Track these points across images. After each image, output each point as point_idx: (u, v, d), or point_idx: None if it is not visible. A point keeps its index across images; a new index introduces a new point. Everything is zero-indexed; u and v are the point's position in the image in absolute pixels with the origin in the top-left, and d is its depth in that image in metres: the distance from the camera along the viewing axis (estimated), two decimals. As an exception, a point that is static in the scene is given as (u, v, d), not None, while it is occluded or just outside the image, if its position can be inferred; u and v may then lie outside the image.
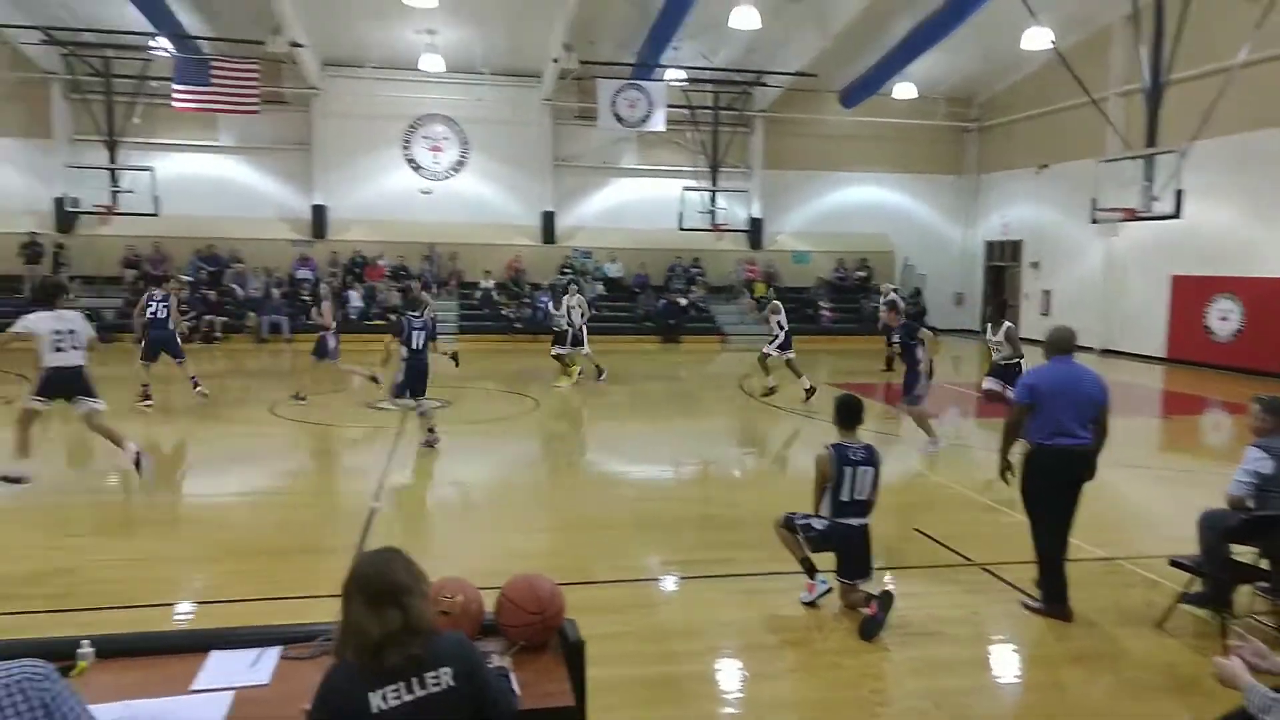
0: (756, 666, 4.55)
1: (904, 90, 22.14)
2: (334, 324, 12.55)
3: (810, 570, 5.15)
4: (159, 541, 6.56)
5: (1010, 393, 9.71)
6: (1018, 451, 5.28)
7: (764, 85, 22.59)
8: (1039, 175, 22.76)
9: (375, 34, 20.12)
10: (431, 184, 22.90)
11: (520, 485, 8.60)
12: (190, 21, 18.92)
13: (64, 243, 20.68)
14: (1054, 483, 5.11)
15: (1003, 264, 24.86)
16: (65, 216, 20.73)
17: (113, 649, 2.77)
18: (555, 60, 20.10)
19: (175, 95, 19.21)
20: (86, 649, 2.67)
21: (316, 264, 21.81)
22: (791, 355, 13.21)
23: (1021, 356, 9.90)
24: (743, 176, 24.18)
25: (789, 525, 5.14)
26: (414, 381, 9.27)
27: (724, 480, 9.15)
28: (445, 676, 2.21)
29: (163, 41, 18.99)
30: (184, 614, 5.19)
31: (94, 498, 7.91)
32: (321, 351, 12.29)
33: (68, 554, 6.08)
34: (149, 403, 11.46)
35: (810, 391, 12.69)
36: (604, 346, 20.20)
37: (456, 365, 12.63)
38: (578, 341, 14.24)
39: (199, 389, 11.90)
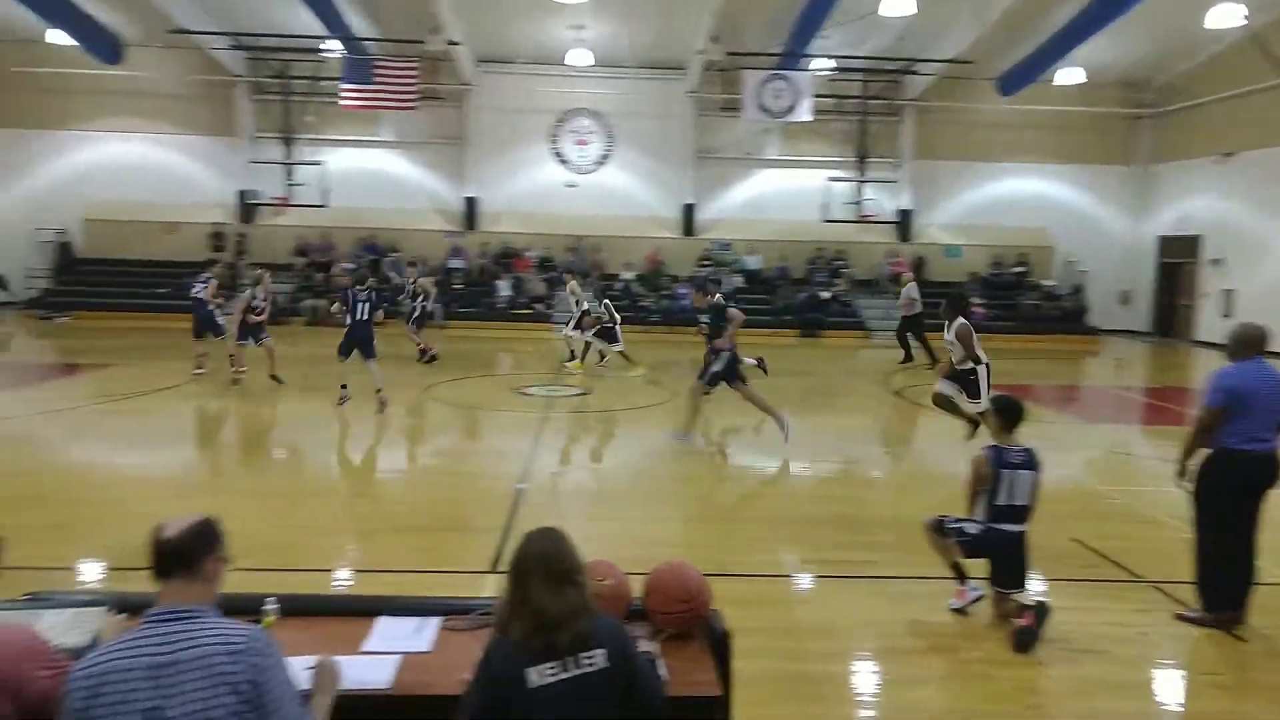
0: (901, 671, 4.42)
1: (1069, 75, 20.79)
2: (220, 299, 12.73)
3: (961, 576, 4.95)
4: (318, 511, 6.99)
5: (964, 401, 8.95)
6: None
7: (915, 74, 21.79)
8: (1223, 164, 20.91)
9: (527, 30, 20.71)
10: (576, 177, 23.41)
11: (655, 474, 8.66)
12: (358, 24, 20.07)
13: (245, 232, 22.46)
14: (1244, 489, 4.84)
15: (1178, 261, 23.01)
16: (247, 208, 22.50)
17: (293, 608, 2.99)
18: (701, 52, 20.09)
19: (342, 94, 20.47)
20: (272, 605, 2.89)
21: (468, 254, 22.74)
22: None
23: (978, 361, 8.85)
24: (891, 167, 23.43)
25: (940, 528, 4.95)
26: (358, 344, 10.68)
27: (863, 480, 8.91)
28: (599, 657, 2.26)
29: (333, 44, 20.24)
30: (341, 580, 5.51)
31: (258, 465, 8.55)
32: (212, 328, 12.40)
33: (230, 519, 6.56)
34: (200, 370, 12.44)
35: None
36: (742, 339, 20.03)
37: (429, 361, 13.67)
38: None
39: (236, 370, 12.16)
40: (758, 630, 4.66)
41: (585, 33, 20.41)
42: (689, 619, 2.90)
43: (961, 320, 8.93)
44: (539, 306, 21.64)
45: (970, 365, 8.89)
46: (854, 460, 9.46)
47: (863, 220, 22.23)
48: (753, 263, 23.27)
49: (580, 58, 20.70)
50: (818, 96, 21.22)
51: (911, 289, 16.99)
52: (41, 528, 6.00)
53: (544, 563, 2.29)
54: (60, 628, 2.66)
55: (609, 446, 9.67)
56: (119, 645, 2.12)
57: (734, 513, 7.20)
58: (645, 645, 2.67)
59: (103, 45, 19.80)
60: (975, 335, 8.97)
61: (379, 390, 10.53)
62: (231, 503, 6.99)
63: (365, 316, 10.75)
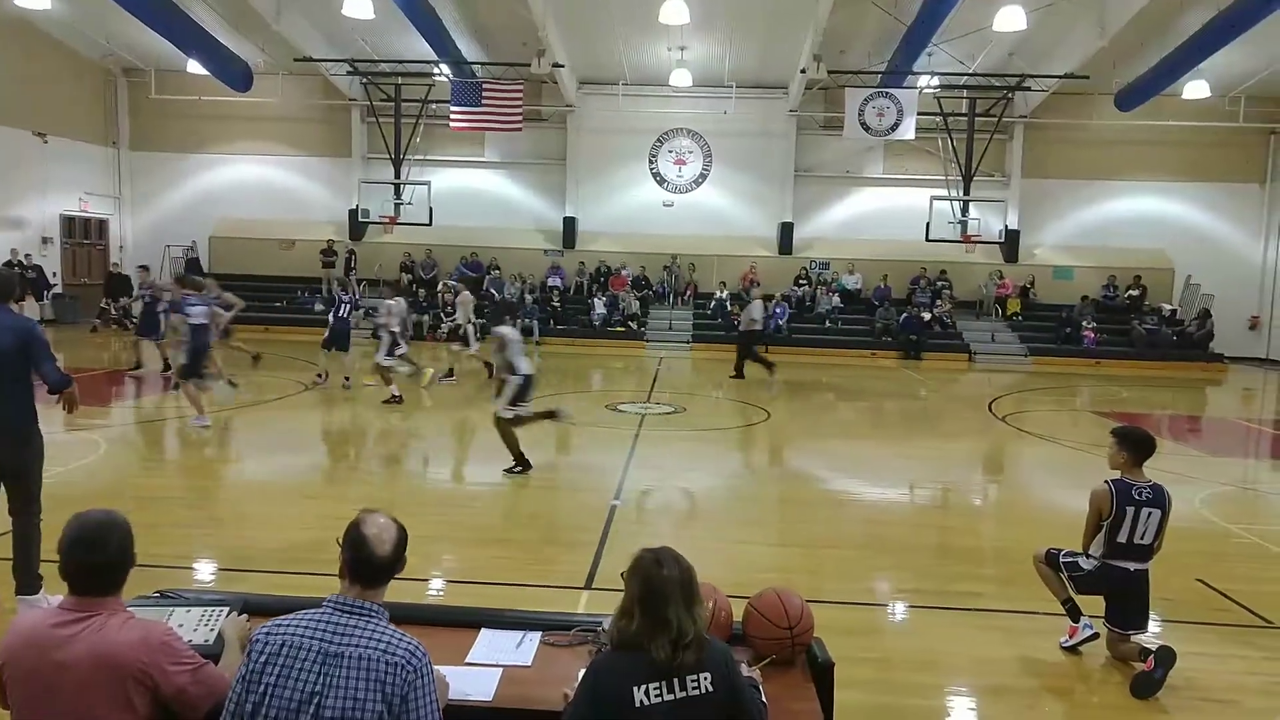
0: (1010, 712, 4.22)
1: (1195, 89, 19.79)
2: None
3: (1074, 613, 4.71)
4: (414, 522, 7.14)
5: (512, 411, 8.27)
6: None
7: (1027, 89, 21.09)
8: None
9: (630, 53, 21.00)
10: (673, 197, 23.55)
11: (749, 497, 8.57)
12: (467, 48, 20.76)
13: (354, 249, 23.41)
14: None
15: (1316, 285, 21.50)
16: (357, 226, 23.46)
17: (399, 616, 3.05)
18: (803, 71, 19.96)
19: (452, 116, 21.17)
20: (379, 613, 2.97)
21: (565, 272, 23.11)
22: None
23: (514, 372, 8.25)
24: (998, 186, 22.74)
25: (1051, 561, 4.73)
26: (335, 339, 12.79)
27: (964, 508, 8.60)
28: (705, 681, 2.25)
29: (444, 68, 20.99)
30: (435, 591, 5.58)
31: (360, 473, 8.82)
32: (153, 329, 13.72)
33: (339, 526, 6.78)
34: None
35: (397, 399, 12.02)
36: (838, 360, 19.78)
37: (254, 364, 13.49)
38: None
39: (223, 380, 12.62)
40: (855, 660, 4.53)
41: (686, 54, 20.56)
42: (790, 645, 2.85)
43: (500, 329, 8.47)
44: (633, 324, 21.80)
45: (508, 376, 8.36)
46: (956, 488, 9.15)
47: (967, 240, 21.59)
48: (851, 282, 22.89)
49: (681, 78, 20.86)
50: (922, 114, 20.80)
51: (756, 307, 16.37)
52: (166, 525, 6.37)
53: (682, 585, 2.33)
54: (188, 625, 2.81)
55: (702, 466, 9.62)
56: (301, 621, 2.28)
57: (830, 537, 7.05)
58: (746, 670, 2.64)
59: (235, 74, 21.05)
60: (516, 345, 8.46)
61: (346, 377, 12.86)
62: (340, 509, 7.25)
63: (345, 315, 12.73)
